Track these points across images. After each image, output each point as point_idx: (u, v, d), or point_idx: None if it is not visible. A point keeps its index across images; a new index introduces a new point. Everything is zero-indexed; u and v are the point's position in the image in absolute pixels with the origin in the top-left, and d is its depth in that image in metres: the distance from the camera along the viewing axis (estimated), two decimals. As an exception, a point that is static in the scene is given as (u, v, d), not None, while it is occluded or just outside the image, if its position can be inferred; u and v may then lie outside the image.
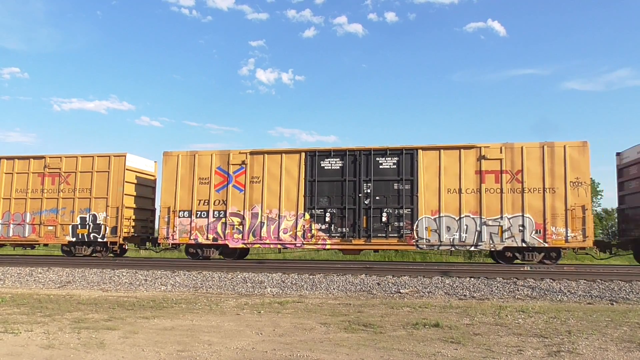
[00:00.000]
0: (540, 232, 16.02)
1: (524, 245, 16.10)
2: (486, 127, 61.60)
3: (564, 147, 16.15)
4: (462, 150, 16.66)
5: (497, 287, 11.61)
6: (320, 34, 60.68)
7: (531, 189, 16.18)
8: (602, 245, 17.64)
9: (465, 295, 10.96)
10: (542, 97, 59.97)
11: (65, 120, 64.43)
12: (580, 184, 16.00)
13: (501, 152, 16.46)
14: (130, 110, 61.93)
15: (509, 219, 16.20)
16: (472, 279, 12.44)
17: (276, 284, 12.45)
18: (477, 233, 16.31)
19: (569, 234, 15.87)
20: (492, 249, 16.44)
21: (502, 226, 16.18)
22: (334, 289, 11.86)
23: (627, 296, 10.61)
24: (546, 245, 16.02)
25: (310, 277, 13.08)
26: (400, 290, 11.44)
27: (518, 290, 11.24)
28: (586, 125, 59.03)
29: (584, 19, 58.11)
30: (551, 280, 12.09)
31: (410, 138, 64.60)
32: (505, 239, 16.15)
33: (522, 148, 16.39)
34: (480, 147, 16.59)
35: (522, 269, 14.31)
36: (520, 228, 16.10)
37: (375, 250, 18.83)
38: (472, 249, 16.66)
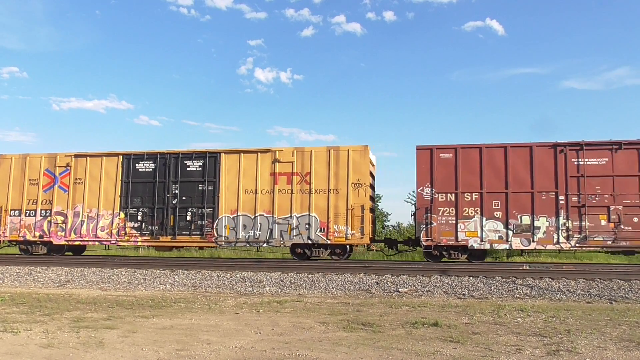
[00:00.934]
0: (324, 230, 17.17)
1: (309, 242, 17.28)
2: (486, 126, 61.59)
3: (348, 150, 17.30)
4: (259, 154, 17.93)
5: (496, 286, 11.61)
6: (319, 33, 60.58)
7: (318, 190, 17.31)
8: (390, 242, 19.09)
9: (464, 294, 10.96)
10: (541, 96, 59.94)
11: (64, 120, 64.24)
12: (360, 185, 17.10)
13: (293, 156, 17.65)
14: (129, 109, 61.77)
15: (297, 217, 17.38)
16: (471, 278, 12.45)
17: (275, 283, 12.45)
18: (269, 230, 17.52)
19: (348, 232, 16.99)
20: (282, 245, 17.91)
21: (291, 224, 17.37)
22: (332, 288, 11.86)
23: (626, 295, 10.62)
24: (329, 242, 17.16)
25: (309, 276, 13.08)
26: (399, 289, 11.44)
27: (517, 289, 11.24)
28: (586, 124, 59.02)
29: (583, 17, 58.08)
30: (550, 279, 12.09)
31: (410, 137, 64.63)
32: (294, 236, 17.37)
33: (311, 152, 17.54)
34: (275, 151, 17.81)
35: (520, 268, 14.33)
36: (307, 226, 17.27)
37: (181, 247, 19.88)
38: (265, 245, 17.84)
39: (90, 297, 10.49)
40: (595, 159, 15.88)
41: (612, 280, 11.85)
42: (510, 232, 16.07)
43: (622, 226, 15.43)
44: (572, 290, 11.17)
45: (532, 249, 16.69)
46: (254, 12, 59.38)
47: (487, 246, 16.28)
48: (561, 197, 15.84)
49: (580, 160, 15.94)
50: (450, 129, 60.87)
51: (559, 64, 58.27)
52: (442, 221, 16.45)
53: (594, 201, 15.71)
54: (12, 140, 61.23)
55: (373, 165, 18.29)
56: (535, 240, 15.91)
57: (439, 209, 16.50)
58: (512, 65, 60.24)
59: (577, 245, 15.71)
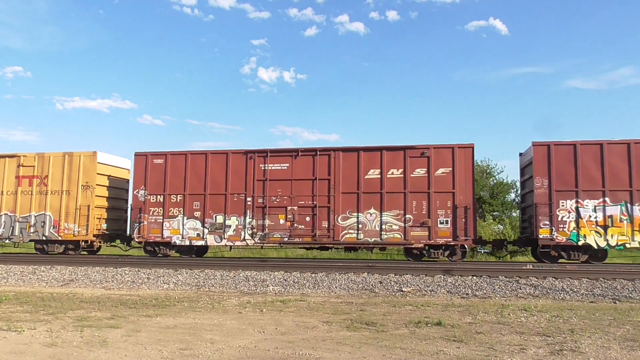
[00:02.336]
0: (56, 227, 19.06)
1: (44, 238, 19.12)
2: (487, 125, 61.47)
3: (80, 156, 19.27)
4: (6, 159, 19.76)
5: (500, 285, 11.59)
6: (322, 32, 60.56)
7: (53, 191, 19.28)
8: (104, 237, 20.18)
9: (467, 294, 10.95)
10: (545, 96, 59.78)
11: (68, 119, 64.44)
12: (88, 187, 19.09)
13: (35, 161, 19.55)
14: (132, 108, 61.92)
15: (35, 216, 19.29)
16: (475, 277, 12.43)
17: (278, 283, 12.45)
18: (11, 228, 19.37)
19: (76, 229, 18.92)
20: (21, 241, 19.73)
21: (29, 222, 19.30)
22: (336, 287, 11.86)
23: (630, 295, 10.58)
24: (60, 238, 18.98)
25: (313, 275, 13.08)
26: (403, 289, 11.43)
27: (520, 289, 11.22)
28: (588, 124, 58.83)
29: (586, 17, 57.88)
30: (554, 279, 12.06)
31: (411, 136, 64.63)
32: (31, 233, 19.25)
33: (50, 157, 19.43)
34: (20, 156, 19.69)
35: (524, 268, 14.30)
36: (42, 224, 19.18)
37: None
38: (7, 241, 19.87)
39: (94, 296, 10.52)
40: (278, 165, 17.72)
41: (616, 280, 11.81)
42: (206, 230, 17.86)
43: (296, 224, 17.26)
44: (575, 289, 11.14)
45: (223, 245, 18.37)
46: (257, 11, 59.45)
47: (187, 242, 18.04)
48: (249, 199, 17.71)
49: (266, 165, 17.75)
50: (452, 128, 60.78)
51: (562, 64, 58.12)
52: (152, 220, 18.28)
53: (275, 202, 17.56)
54: (16, 140, 61.47)
55: (116, 167, 20.61)
56: (226, 237, 17.75)
57: (150, 209, 18.30)
58: (516, 64, 60.12)
59: (259, 241, 17.56)
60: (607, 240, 15.47)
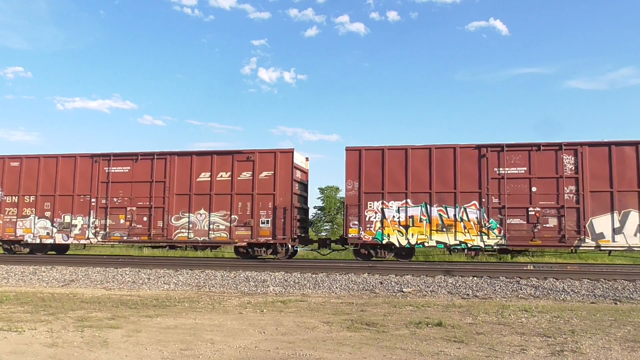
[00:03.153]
0: None
1: None
2: (488, 126, 61.50)
3: None
4: None
5: (500, 286, 11.59)
6: (322, 33, 60.69)
7: None
8: None
9: (468, 295, 10.94)
10: (545, 96, 59.83)
11: (69, 119, 64.64)
12: None
13: None
14: (132, 109, 62.08)
15: None
16: (475, 278, 12.43)
17: (279, 283, 12.45)
18: None
19: None
20: None
21: None
22: (336, 287, 11.86)
23: (631, 295, 10.57)
24: None
25: (313, 276, 13.08)
26: (403, 289, 11.42)
27: (521, 290, 11.21)
28: (590, 124, 58.87)
29: (587, 17, 57.94)
30: (554, 280, 12.06)
31: (413, 136, 64.57)
32: None
33: None
34: None
35: (525, 268, 14.29)
36: None
37: None
38: None
39: (95, 297, 10.52)
40: (120, 168, 18.59)
41: (617, 281, 11.80)
42: (55, 229, 18.77)
43: (134, 224, 18.16)
44: (576, 290, 11.13)
45: (69, 243, 19.24)
46: (258, 12, 59.56)
47: (38, 241, 18.87)
48: (93, 200, 18.55)
49: (110, 168, 18.63)
50: (453, 127, 60.80)
51: (563, 64, 58.14)
52: (7, 219, 19.18)
53: (116, 203, 18.42)
54: (17, 140, 61.56)
55: None
56: (72, 236, 18.65)
57: (6, 209, 19.16)
58: (516, 65, 60.14)
59: (101, 240, 18.46)
60: (408, 239, 16.44)
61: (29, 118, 65.70)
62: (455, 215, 16.16)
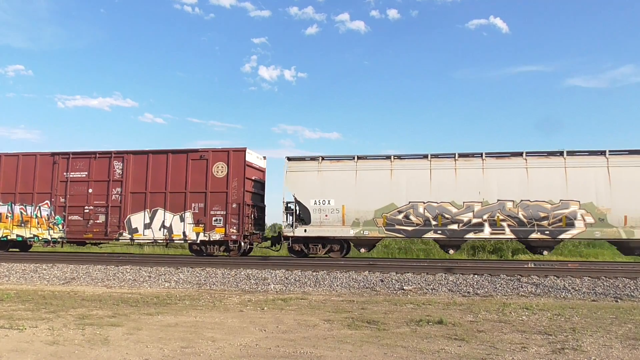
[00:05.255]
0: None
1: None
2: (489, 124, 61.39)
3: None
4: None
5: (501, 284, 11.58)
6: (323, 31, 60.43)
7: None
8: None
9: (469, 292, 10.93)
10: (546, 94, 59.66)
11: (69, 117, 64.40)
12: None
13: None
14: (133, 107, 61.87)
15: None
16: (476, 275, 12.42)
17: (279, 281, 12.45)
18: None
19: None
20: None
21: None
22: (337, 285, 11.86)
23: (632, 293, 10.56)
24: None
25: (314, 273, 13.08)
26: (404, 287, 11.42)
27: (522, 287, 11.21)
28: (590, 122, 58.72)
29: (587, 15, 57.72)
30: (555, 277, 12.05)
31: (413, 135, 64.52)
32: None
33: None
34: None
35: (526, 266, 14.28)
36: None
37: None
38: None
39: (96, 295, 10.53)
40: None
41: (618, 279, 11.79)
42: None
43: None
44: (577, 288, 11.13)
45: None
46: (258, 10, 59.38)
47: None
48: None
49: None
50: (454, 126, 60.70)
51: (563, 62, 57.99)
52: None
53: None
54: (18, 138, 61.51)
55: None
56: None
57: None
58: (517, 63, 59.99)
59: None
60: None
61: (30, 116, 65.59)
62: (32, 213, 19.18)
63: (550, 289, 11.04)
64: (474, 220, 16.21)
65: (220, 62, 64.84)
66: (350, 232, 16.87)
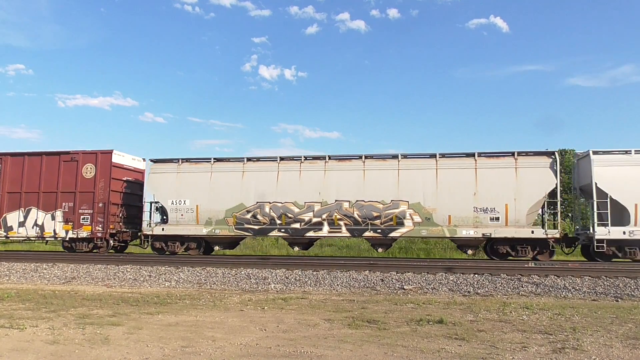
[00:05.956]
0: None
1: None
2: (489, 123, 61.42)
3: None
4: None
5: (501, 283, 11.57)
6: (323, 30, 60.52)
7: None
8: None
9: (469, 292, 10.93)
10: (546, 94, 59.70)
11: (70, 117, 64.54)
12: None
13: None
14: (134, 106, 61.96)
15: None
16: (476, 275, 12.41)
17: (280, 280, 12.45)
18: None
19: None
20: None
21: None
22: (337, 285, 11.85)
23: (633, 293, 10.55)
24: None
25: (314, 273, 13.08)
26: (404, 287, 11.42)
27: (522, 287, 11.20)
28: (591, 122, 58.75)
29: (587, 14, 57.77)
30: (555, 277, 12.04)
31: (414, 134, 64.58)
32: None
33: None
34: None
35: (526, 266, 14.28)
36: None
37: None
38: None
39: (96, 294, 10.53)
40: None
41: (618, 278, 11.78)
42: None
43: None
44: (577, 287, 11.12)
45: None
46: (259, 9, 59.44)
47: None
48: None
49: None
50: (454, 126, 60.72)
51: (563, 61, 58.01)
52: None
53: None
54: (18, 137, 61.56)
55: None
56: None
57: None
58: (517, 62, 60.02)
59: None
60: None
61: (30, 115, 65.67)
62: None
63: (550, 289, 11.03)
64: (314, 220, 16.92)
65: (221, 61, 64.94)
66: (203, 231, 17.63)
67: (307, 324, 7.31)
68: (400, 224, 16.32)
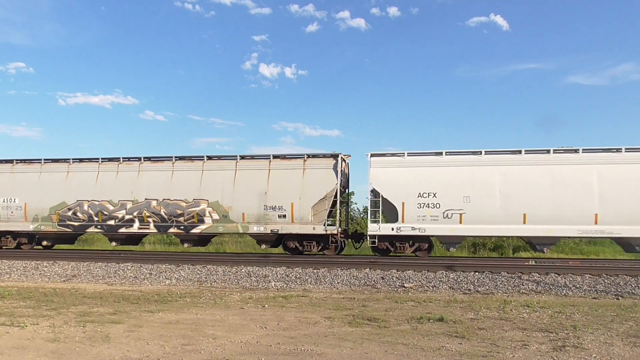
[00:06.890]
0: None
1: None
2: (489, 122, 61.34)
3: None
4: None
5: (502, 281, 11.57)
6: (323, 28, 60.37)
7: None
8: None
9: (469, 290, 10.93)
10: (546, 92, 59.57)
11: (70, 115, 64.46)
12: None
13: None
14: (134, 104, 61.87)
15: None
16: (477, 273, 12.41)
17: (280, 278, 12.46)
18: None
19: None
20: None
21: None
22: (338, 283, 11.86)
23: (633, 291, 10.55)
24: None
25: (315, 271, 13.08)
26: (405, 285, 11.42)
27: (523, 285, 11.20)
28: (591, 120, 58.65)
29: (588, 12, 57.61)
30: (556, 275, 12.04)
31: (414, 133, 64.48)
32: None
33: None
34: None
35: (527, 264, 14.28)
36: None
37: None
38: None
39: (97, 292, 10.53)
40: None
41: (619, 276, 11.78)
42: None
43: None
44: (578, 285, 11.12)
45: None
46: (259, 7, 59.34)
47: None
48: None
49: None
50: (454, 125, 60.66)
51: (564, 60, 57.89)
52: None
53: None
54: (19, 136, 61.56)
55: None
56: None
57: None
58: (517, 60, 59.90)
59: None
60: None
61: (31, 113, 65.60)
62: None
63: (551, 287, 11.03)
64: (127, 217, 18.09)
65: (221, 59, 64.84)
66: (30, 227, 19.00)
67: (308, 322, 7.32)
68: (201, 221, 17.54)
